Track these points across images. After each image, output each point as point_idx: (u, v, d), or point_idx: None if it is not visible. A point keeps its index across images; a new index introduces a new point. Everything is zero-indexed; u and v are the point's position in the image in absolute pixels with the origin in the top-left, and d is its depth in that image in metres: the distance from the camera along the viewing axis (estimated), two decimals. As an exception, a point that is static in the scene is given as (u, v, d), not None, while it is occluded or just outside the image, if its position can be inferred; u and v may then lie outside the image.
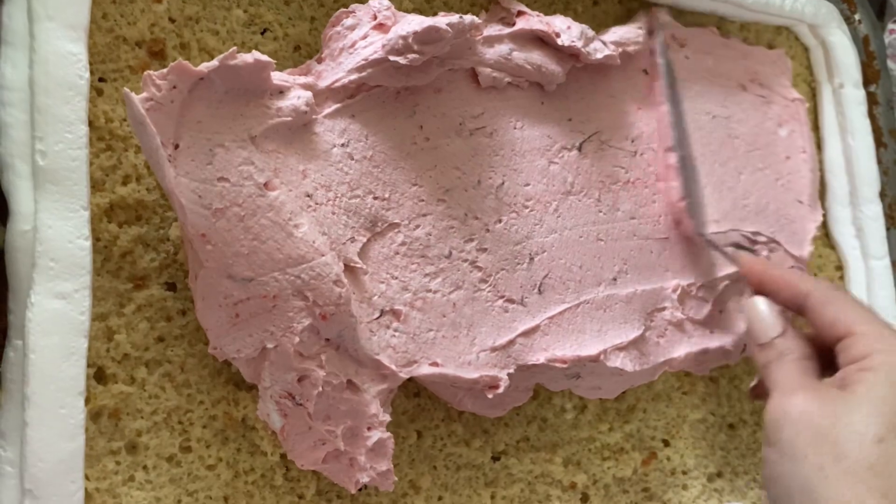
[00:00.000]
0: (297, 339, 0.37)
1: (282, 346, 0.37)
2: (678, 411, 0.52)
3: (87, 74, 0.35)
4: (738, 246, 0.50)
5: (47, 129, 0.34)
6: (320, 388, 0.38)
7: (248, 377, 0.39)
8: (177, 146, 0.35)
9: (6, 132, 0.35)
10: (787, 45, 0.60)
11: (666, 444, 0.51)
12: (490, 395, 0.42)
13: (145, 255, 0.38)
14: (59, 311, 0.33)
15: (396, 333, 0.41)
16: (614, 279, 0.46)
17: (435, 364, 0.41)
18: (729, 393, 0.54)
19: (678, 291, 0.48)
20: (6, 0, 0.36)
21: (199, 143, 0.35)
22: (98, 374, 0.37)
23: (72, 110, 0.34)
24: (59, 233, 0.33)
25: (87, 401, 0.35)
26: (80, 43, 0.35)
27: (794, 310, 0.43)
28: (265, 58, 0.36)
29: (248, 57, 0.35)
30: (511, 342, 0.43)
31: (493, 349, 0.42)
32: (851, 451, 0.35)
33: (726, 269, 0.51)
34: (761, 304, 0.43)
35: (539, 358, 0.43)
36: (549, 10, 0.49)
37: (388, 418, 0.40)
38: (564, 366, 0.43)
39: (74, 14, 0.35)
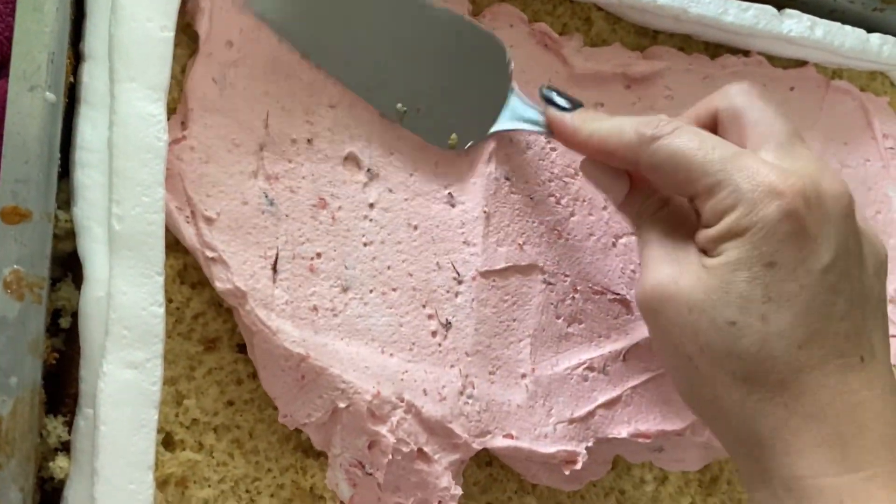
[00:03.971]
0: (369, 396, 0.36)
1: (355, 406, 0.36)
2: (763, 483, 0.48)
3: (166, 136, 0.34)
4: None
5: (125, 192, 0.33)
6: (390, 457, 0.37)
7: (318, 444, 0.38)
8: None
9: (83, 194, 0.34)
10: (882, 90, 0.57)
11: (750, 519, 0.48)
12: (567, 472, 0.39)
13: (218, 316, 0.37)
14: (130, 381, 0.32)
15: (470, 401, 0.39)
16: (701, 345, 0.44)
17: (509, 436, 0.39)
18: (818, 464, 0.50)
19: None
20: (87, 58, 0.35)
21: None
22: (166, 441, 0.36)
23: (149, 173, 0.33)
24: (133, 300, 0.33)
25: (154, 468, 0.34)
26: (159, 104, 0.34)
27: (629, 168, 0.36)
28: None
29: None
30: (590, 413, 0.41)
31: (571, 421, 0.40)
32: (712, 339, 0.32)
33: None
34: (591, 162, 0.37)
35: (621, 432, 0.41)
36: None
37: (459, 492, 0.38)
38: (647, 441, 0.41)
39: (156, 74, 0.34)
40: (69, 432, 0.34)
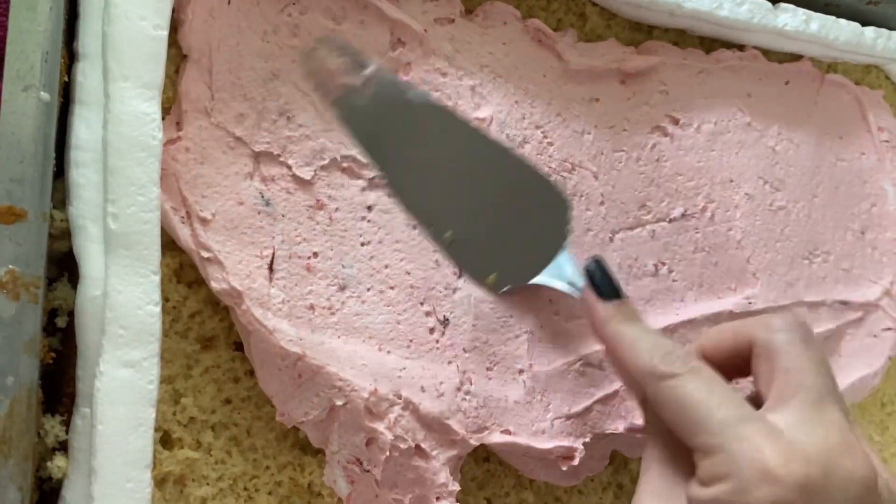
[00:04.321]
0: (366, 394, 0.36)
1: (352, 403, 0.36)
2: (760, 476, 0.48)
3: (160, 135, 0.34)
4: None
5: (119, 191, 0.33)
6: (388, 453, 0.37)
7: (316, 441, 0.38)
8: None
9: (78, 194, 0.34)
10: (877, 83, 0.57)
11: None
12: (564, 468, 0.40)
13: (215, 314, 0.37)
14: (127, 380, 0.32)
15: (468, 397, 0.39)
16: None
17: (507, 432, 0.39)
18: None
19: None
20: (81, 57, 0.35)
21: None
22: (164, 439, 0.36)
23: (144, 172, 0.33)
24: (129, 299, 0.33)
25: (152, 466, 0.34)
26: (153, 102, 0.34)
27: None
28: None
29: None
30: (588, 409, 0.41)
31: (569, 416, 0.40)
32: None
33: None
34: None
35: (618, 426, 0.41)
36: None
37: (457, 488, 0.38)
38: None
39: (149, 73, 0.34)
40: (67, 432, 0.34)
